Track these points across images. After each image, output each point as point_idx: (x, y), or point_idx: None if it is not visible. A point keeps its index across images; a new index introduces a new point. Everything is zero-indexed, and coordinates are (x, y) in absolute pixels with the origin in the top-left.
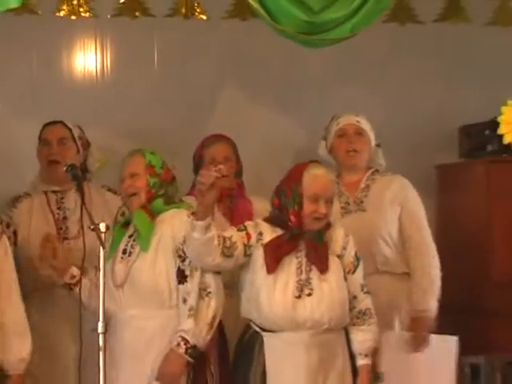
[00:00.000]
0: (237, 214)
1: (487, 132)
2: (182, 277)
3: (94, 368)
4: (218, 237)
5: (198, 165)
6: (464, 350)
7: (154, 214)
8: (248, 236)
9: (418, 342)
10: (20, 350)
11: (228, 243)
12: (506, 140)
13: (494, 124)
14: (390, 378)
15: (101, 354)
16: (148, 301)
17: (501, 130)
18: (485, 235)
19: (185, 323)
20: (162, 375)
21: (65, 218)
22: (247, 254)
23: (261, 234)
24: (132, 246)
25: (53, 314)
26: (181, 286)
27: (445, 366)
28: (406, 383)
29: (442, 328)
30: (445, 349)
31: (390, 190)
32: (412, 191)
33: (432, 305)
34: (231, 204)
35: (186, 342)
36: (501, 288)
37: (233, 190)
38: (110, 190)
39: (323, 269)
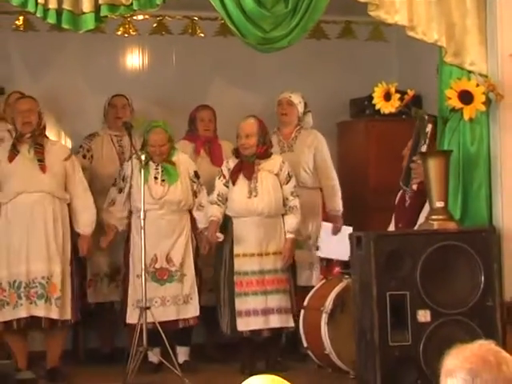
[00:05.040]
0: (213, 152)
1: (366, 102)
2: (194, 194)
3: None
4: (219, 204)
5: (192, 121)
6: (353, 229)
7: (170, 161)
8: (224, 176)
9: (335, 230)
10: (86, 219)
11: (222, 196)
12: (377, 107)
13: (370, 98)
14: (323, 249)
15: (142, 232)
16: (175, 206)
17: (374, 101)
18: (365, 162)
19: (213, 212)
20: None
21: (123, 152)
22: (227, 186)
23: (229, 169)
24: (162, 176)
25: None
26: (196, 199)
27: (346, 243)
28: (331, 251)
29: (344, 219)
30: (346, 234)
31: (309, 138)
32: (322, 140)
33: (340, 208)
34: (210, 146)
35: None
36: (375, 192)
37: (212, 137)
38: None
39: (250, 178)
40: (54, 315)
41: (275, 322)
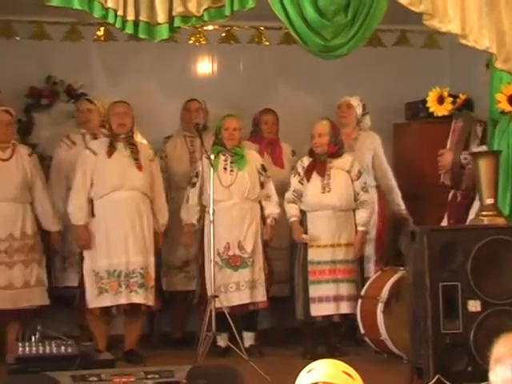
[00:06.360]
0: (275, 153)
1: (420, 106)
2: (261, 185)
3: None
4: (295, 201)
5: (256, 123)
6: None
7: (240, 151)
8: (298, 174)
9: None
10: (162, 219)
11: (297, 192)
12: (431, 110)
13: (424, 101)
14: None
15: (211, 225)
16: (244, 195)
17: (428, 105)
18: (419, 160)
19: (275, 208)
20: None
21: (193, 151)
22: (302, 183)
23: (303, 167)
24: (231, 166)
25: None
26: (263, 190)
27: None
28: None
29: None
30: None
31: (368, 140)
32: (379, 141)
33: (404, 206)
34: (272, 147)
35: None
36: (429, 186)
37: (274, 139)
38: None
39: (323, 175)
40: (150, 302)
41: (345, 308)
